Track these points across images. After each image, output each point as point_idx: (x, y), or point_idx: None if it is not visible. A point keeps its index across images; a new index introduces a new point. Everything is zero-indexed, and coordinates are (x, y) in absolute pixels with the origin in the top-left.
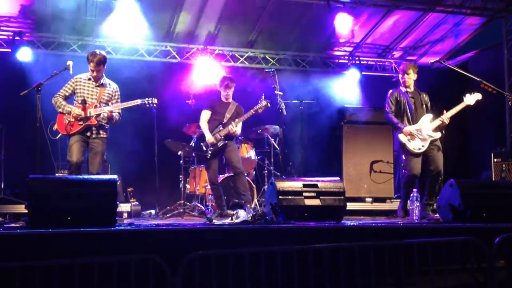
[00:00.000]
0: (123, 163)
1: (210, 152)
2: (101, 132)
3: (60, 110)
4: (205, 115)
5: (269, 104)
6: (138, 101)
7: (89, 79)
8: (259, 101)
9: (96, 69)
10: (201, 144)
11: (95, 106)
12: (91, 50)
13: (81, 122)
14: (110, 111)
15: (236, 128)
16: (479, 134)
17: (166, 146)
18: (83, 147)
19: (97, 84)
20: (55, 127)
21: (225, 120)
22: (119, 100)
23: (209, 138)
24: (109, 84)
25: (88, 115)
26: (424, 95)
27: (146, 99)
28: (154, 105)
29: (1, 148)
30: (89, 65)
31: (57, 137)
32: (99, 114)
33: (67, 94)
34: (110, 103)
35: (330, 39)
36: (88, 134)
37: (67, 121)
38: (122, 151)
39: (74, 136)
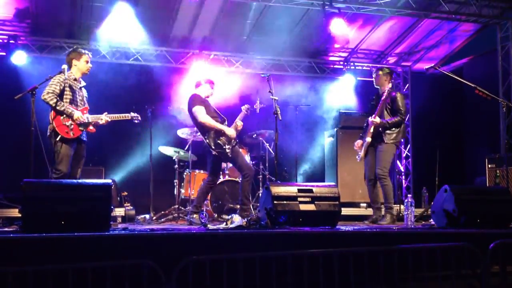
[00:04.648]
0: (117, 167)
1: (228, 149)
2: (86, 138)
3: (59, 108)
4: (203, 110)
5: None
6: (128, 116)
7: (75, 79)
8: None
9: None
10: (218, 141)
11: (89, 111)
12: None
13: (81, 128)
14: (106, 121)
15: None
16: (474, 140)
17: (160, 150)
18: (71, 156)
19: (81, 86)
20: (52, 127)
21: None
22: None
23: (232, 132)
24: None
25: (86, 121)
26: None
27: (134, 114)
28: (138, 121)
29: None
30: (82, 57)
31: (58, 139)
32: (97, 122)
33: (58, 92)
34: None
35: (325, 45)
36: (84, 138)
37: (69, 124)
38: (116, 155)
39: (68, 144)
